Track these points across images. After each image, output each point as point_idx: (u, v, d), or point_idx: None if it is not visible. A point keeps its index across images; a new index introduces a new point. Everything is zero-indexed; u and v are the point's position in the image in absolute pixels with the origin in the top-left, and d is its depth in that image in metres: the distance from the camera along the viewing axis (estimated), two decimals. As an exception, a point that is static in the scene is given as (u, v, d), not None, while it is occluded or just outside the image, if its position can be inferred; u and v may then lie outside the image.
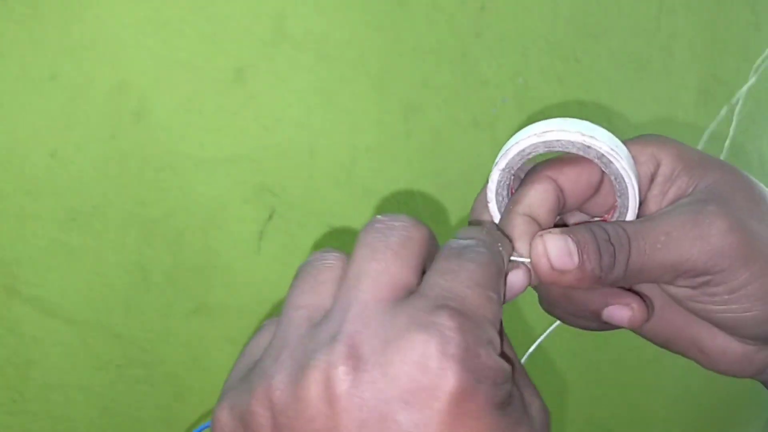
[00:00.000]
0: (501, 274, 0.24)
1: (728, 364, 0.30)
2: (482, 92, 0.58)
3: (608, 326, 0.30)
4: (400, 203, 0.57)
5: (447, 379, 0.20)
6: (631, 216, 0.29)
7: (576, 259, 0.26)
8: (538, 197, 0.28)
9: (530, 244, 0.27)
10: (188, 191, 0.50)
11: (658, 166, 0.29)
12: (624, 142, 0.29)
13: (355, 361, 0.20)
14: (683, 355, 0.31)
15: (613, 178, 0.29)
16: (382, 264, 0.22)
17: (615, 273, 0.27)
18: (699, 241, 0.26)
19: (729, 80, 0.71)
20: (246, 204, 0.52)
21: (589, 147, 0.28)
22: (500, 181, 0.30)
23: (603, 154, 0.28)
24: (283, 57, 0.51)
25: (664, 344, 0.31)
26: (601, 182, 0.29)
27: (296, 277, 0.24)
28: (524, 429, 0.21)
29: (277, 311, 0.54)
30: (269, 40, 0.51)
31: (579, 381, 0.69)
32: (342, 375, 0.20)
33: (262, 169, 0.52)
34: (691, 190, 0.28)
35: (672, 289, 0.29)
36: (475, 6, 0.57)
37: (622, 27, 0.64)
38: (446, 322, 0.20)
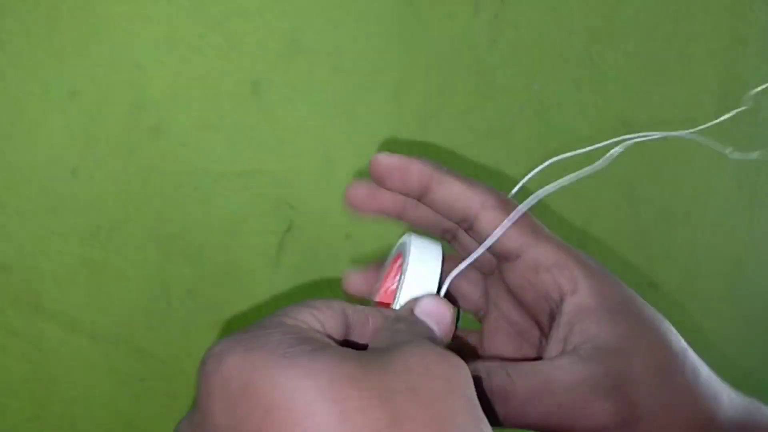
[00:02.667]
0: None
1: None
2: (498, 100, 0.58)
3: None
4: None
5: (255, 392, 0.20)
6: (402, 299, 0.29)
7: None
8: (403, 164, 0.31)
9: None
10: (207, 205, 0.50)
11: (574, 290, 0.29)
12: (554, 242, 0.30)
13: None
14: None
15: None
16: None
17: (502, 421, 0.27)
18: (588, 417, 0.27)
19: (749, 81, 0.70)
20: (264, 217, 0.52)
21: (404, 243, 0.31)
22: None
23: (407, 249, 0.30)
24: (298, 70, 0.51)
25: None
26: (517, 257, 0.31)
27: None
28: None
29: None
30: (284, 54, 0.51)
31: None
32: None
33: (279, 181, 0.52)
34: (591, 338, 0.28)
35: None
36: (488, 14, 0.56)
37: (638, 30, 0.63)
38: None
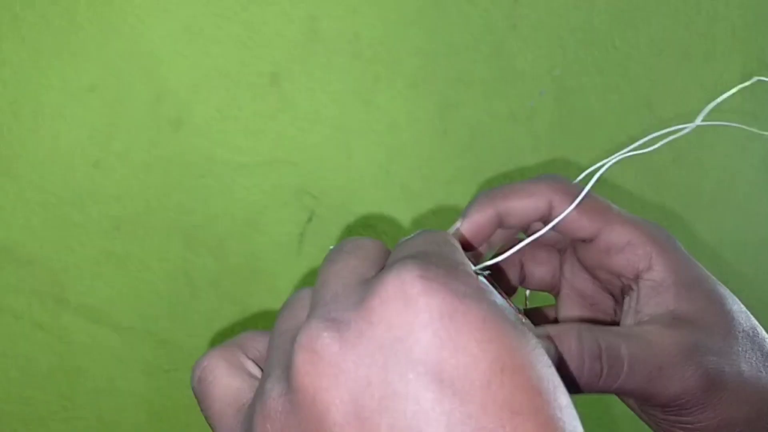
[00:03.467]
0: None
1: None
2: (519, 85, 0.57)
3: None
4: (439, 201, 0.56)
5: (432, 297, 0.18)
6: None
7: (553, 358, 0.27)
8: (475, 223, 0.30)
9: None
10: (228, 196, 0.50)
11: (648, 268, 0.30)
12: (628, 221, 0.30)
13: (335, 324, 0.19)
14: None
15: None
16: (340, 263, 0.22)
17: (600, 384, 0.27)
18: (678, 381, 0.27)
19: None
20: (285, 207, 0.52)
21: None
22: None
23: None
24: (317, 59, 0.51)
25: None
26: (592, 239, 0.31)
27: (278, 313, 0.24)
28: (529, 338, 0.19)
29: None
30: (302, 43, 0.51)
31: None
32: (327, 341, 0.19)
33: (300, 171, 0.52)
34: (670, 309, 0.29)
35: (638, 409, 0.30)
36: (508, -1, 0.56)
37: (660, 13, 0.62)
38: (412, 260, 0.19)
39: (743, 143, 0.69)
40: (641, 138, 0.62)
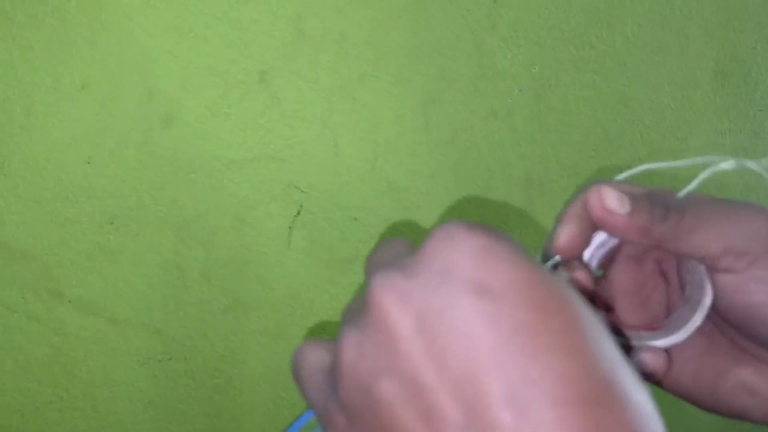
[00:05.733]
0: None
1: None
2: (499, 83, 0.59)
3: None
4: (422, 193, 0.58)
5: (472, 237, 0.22)
6: (700, 314, 0.31)
7: (627, 206, 0.30)
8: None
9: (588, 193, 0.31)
10: (219, 191, 0.52)
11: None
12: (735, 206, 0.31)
13: (399, 266, 0.23)
14: (731, 408, 0.32)
15: (690, 275, 0.32)
16: (387, 247, 0.26)
17: (665, 227, 0.29)
18: (750, 231, 0.29)
19: (746, 59, 0.71)
20: (275, 201, 0.53)
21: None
22: (598, 247, 0.33)
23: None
24: (304, 57, 0.52)
25: (712, 396, 0.32)
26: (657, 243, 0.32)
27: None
28: (555, 277, 0.23)
29: (308, 303, 0.55)
30: (290, 42, 0.52)
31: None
32: (394, 275, 0.22)
33: (288, 167, 0.53)
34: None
35: (720, 278, 0.30)
36: (489, -2, 0.57)
37: (635, 12, 0.64)
38: (459, 223, 0.23)
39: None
40: (616, 132, 0.64)
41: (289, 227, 0.54)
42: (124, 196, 0.50)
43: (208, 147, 0.51)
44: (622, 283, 0.34)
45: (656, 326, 0.33)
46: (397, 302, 0.22)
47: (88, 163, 0.49)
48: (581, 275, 0.31)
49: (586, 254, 0.33)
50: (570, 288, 0.22)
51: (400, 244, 0.27)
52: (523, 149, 0.61)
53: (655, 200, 0.30)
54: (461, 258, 0.22)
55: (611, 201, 0.30)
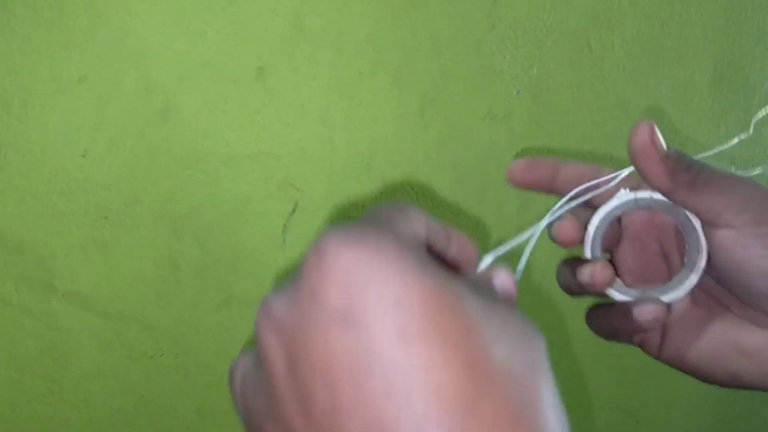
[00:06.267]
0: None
1: None
2: (497, 84, 0.59)
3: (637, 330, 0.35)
4: (418, 194, 0.58)
5: (342, 252, 0.21)
6: (696, 274, 0.34)
7: (661, 144, 0.32)
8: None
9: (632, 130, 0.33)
10: (215, 187, 0.52)
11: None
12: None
13: (284, 293, 0.23)
14: (730, 374, 0.34)
15: (689, 241, 0.34)
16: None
17: (686, 177, 0.32)
18: (750, 194, 0.32)
19: (744, 64, 0.72)
20: (270, 198, 0.53)
21: (677, 209, 0.34)
22: (598, 228, 0.35)
23: (688, 218, 0.33)
24: (302, 54, 0.52)
25: (710, 363, 0.34)
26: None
27: None
28: (452, 282, 0.22)
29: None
30: (288, 38, 0.52)
31: (602, 366, 0.70)
32: (276, 309, 0.22)
33: (284, 164, 0.53)
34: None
35: (720, 234, 0.32)
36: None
37: (635, 15, 0.64)
38: (337, 228, 0.23)
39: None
40: (614, 135, 0.64)
41: (284, 224, 0.54)
42: (119, 190, 0.49)
43: (205, 142, 0.51)
44: (627, 262, 0.37)
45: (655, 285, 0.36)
46: (272, 333, 0.22)
47: (84, 156, 0.49)
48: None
49: (587, 240, 0.35)
50: (465, 295, 0.21)
51: (395, 211, 0.25)
52: (520, 150, 0.61)
53: (683, 154, 0.33)
54: (327, 282, 0.21)
55: (659, 137, 0.32)
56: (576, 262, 0.36)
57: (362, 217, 0.25)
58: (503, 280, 0.27)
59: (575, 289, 0.37)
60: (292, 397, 0.21)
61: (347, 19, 0.53)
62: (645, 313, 0.33)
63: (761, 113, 0.36)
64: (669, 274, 0.36)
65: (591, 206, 0.35)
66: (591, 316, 0.38)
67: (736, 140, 0.35)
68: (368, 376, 0.20)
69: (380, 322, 0.20)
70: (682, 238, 0.35)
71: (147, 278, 0.51)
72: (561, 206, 0.34)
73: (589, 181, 0.35)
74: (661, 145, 0.32)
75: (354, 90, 0.54)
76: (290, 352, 0.21)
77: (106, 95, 0.48)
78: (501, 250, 0.30)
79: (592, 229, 0.35)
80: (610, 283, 0.34)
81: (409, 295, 0.20)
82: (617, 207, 0.34)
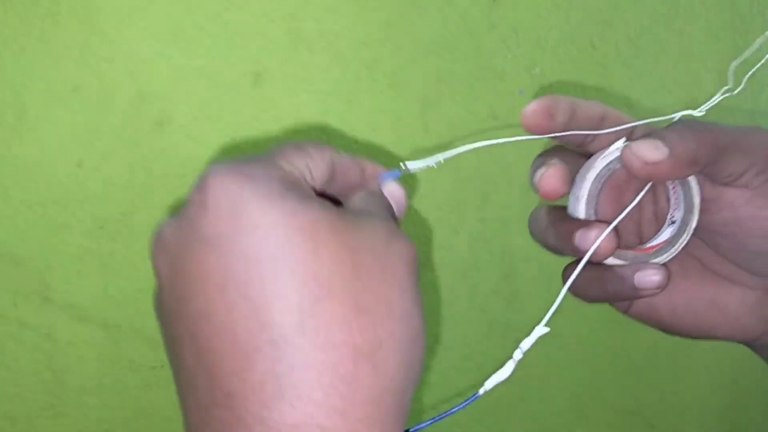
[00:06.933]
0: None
1: (744, 318, 0.33)
2: (498, 84, 0.58)
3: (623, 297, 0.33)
4: (420, 197, 0.57)
5: (219, 180, 0.25)
6: (687, 234, 0.32)
7: (664, 148, 0.30)
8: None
9: (623, 155, 0.31)
10: (211, 195, 0.51)
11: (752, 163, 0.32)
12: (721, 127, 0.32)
13: (176, 216, 0.27)
14: (701, 328, 0.34)
15: (678, 195, 0.32)
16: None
17: (707, 152, 0.30)
18: None
19: (751, 60, 0.70)
20: (268, 205, 0.53)
21: None
22: (594, 182, 0.32)
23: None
24: (298, 59, 0.52)
25: (683, 318, 0.34)
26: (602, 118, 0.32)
27: None
28: (312, 205, 0.25)
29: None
30: (284, 44, 0.51)
31: (610, 369, 0.69)
32: (165, 228, 0.27)
33: (282, 170, 0.52)
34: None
35: (733, 192, 0.31)
36: (487, -1, 0.57)
37: (638, 12, 0.63)
38: (216, 165, 0.26)
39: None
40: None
41: (283, 232, 0.54)
42: (115, 200, 0.49)
43: (201, 150, 0.50)
44: (607, 214, 0.34)
45: (647, 248, 0.33)
46: (162, 253, 0.26)
47: (79, 166, 0.48)
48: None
49: (582, 195, 0.32)
50: (326, 226, 0.24)
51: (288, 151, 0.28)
52: (524, 151, 0.60)
53: (684, 129, 0.30)
54: (204, 207, 0.24)
55: (650, 153, 0.30)
56: (559, 213, 0.33)
57: (263, 152, 0.28)
58: (390, 189, 0.31)
59: (556, 247, 0.33)
60: (171, 303, 0.25)
61: (343, 22, 0.52)
62: (649, 281, 0.31)
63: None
64: (642, 230, 0.34)
65: (583, 154, 0.32)
66: (579, 282, 0.32)
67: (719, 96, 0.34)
68: (224, 291, 0.23)
69: (240, 244, 0.24)
70: (659, 191, 0.33)
71: (145, 288, 0.50)
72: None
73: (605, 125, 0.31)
74: (659, 152, 0.29)
75: (352, 94, 0.54)
76: (173, 267, 0.25)
77: (101, 105, 0.48)
78: (407, 167, 0.32)
79: (587, 183, 0.31)
80: (612, 253, 0.31)
81: (267, 218, 0.24)
82: (616, 160, 0.31)
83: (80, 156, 0.48)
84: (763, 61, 0.35)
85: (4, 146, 0.47)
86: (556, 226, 0.33)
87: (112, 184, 0.49)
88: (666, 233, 0.33)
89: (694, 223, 0.32)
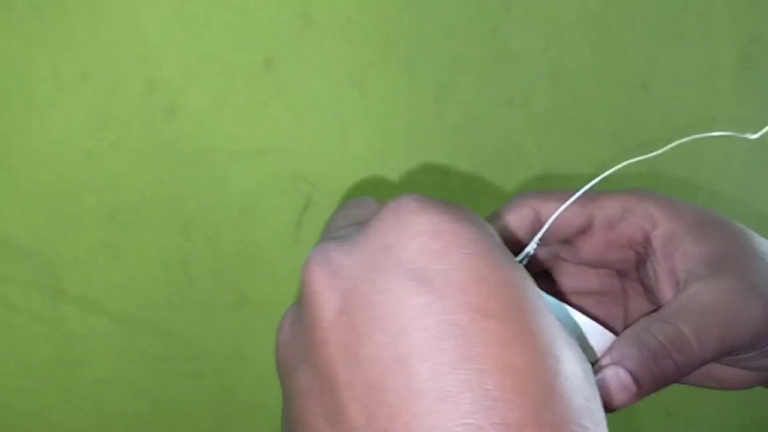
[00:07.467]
0: None
1: (742, 383, 0.31)
2: (515, 68, 0.57)
3: None
4: (436, 185, 0.56)
5: (423, 215, 0.20)
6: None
7: (634, 388, 0.26)
8: (514, 221, 0.30)
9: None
10: (224, 185, 0.50)
11: (654, 225, 0.29)
12: (617, 192, 0.30)
13: (340, 239, 0.22)
14: (699, 385, 0.32)
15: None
16: (345, 210, 0.25)
17: (677, 375, 0.26)
18: (749, 324, 0.26)
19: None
20: (281, 194, 0.52)
21: None
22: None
23: None
24: (310, 44, 0.51)
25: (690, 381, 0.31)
26: (589, 226, 0.30)
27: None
28: (516, 266, 0.21)
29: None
30: (296, 28, 0.50)
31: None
32: (330, 250, 0.21)
33: (295, 158, 0.52)
34: (697, 256, 0.28)
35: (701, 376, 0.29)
36: (502, -20, 0.55)
37: (655, -7, 0.62)
38: (411, 194, 0.22)
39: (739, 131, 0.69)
40: (636, 118, 0.62)
41: (297, 221, 0.53)
42: (126, 190, 0.48)
43: (212, 138, 0.49)
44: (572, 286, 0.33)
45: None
46: (328, 279, 0.21)
47: (89, 156, 0.47)
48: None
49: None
50: (532, 288, 0.20)
51: (366, 206, 0.25)
52: (541, 137, 0.59)
53: (655, 352, 0.26)
54: (406, 238, 0.20)
55: (620, 397, 0.25)
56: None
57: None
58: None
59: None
60: (338, 343, 0.20)
61: (355, 5, 0.51)
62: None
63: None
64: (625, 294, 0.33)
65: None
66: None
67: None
68: (440, 341, 0.18)
69: (461, 293, 0.19)
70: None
71: (158, 280, 0.50)
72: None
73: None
74: (627, 391, 0.25)
75: (365, 79, 0.53)
76: (346, 299, 0.20)
77: (111, 93, 0.47)
78: (538, 235, 0.29)
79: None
80: None
81: (495, 273, 0.19)
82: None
83: (90, 146, 0.47)
84: None
85: (13, 136, 0.46)
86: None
87: (123, 173, 0.48)
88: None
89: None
